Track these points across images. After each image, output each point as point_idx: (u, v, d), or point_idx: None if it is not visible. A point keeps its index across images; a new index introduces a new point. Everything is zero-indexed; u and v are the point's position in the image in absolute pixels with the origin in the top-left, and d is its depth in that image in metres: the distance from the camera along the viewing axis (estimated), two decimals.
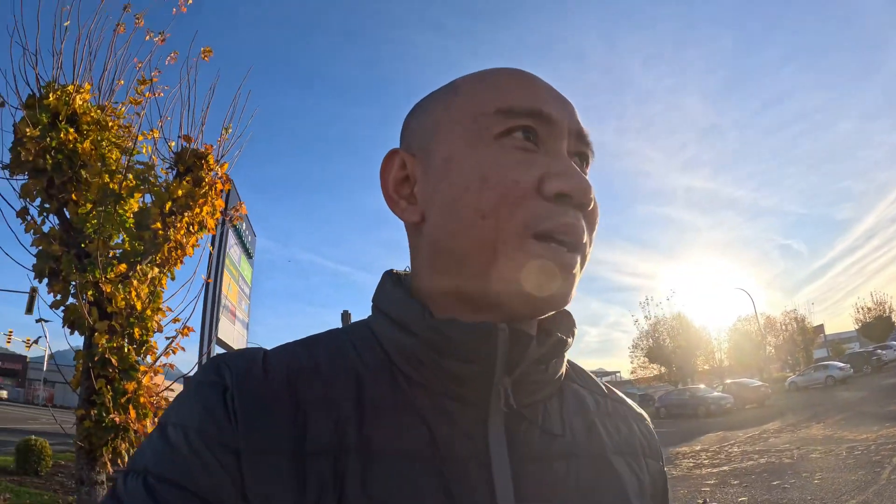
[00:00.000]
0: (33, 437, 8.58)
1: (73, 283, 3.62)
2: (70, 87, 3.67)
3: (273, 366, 0.46)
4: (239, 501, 0.40)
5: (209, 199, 3.56)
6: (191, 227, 3.61)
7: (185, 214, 3.53)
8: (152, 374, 3.71)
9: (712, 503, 6.86)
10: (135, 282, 3.62)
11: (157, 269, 3.68)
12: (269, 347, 0.50)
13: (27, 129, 3.41)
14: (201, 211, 3.56)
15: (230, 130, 4.03)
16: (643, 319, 37.57)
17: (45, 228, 3.74)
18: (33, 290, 8.67)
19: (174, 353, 3.87)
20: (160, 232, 3.52)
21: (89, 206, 3.52)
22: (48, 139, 3.46)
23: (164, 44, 4.16)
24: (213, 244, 4.28)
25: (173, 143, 3.76)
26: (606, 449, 0.52)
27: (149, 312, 3.71)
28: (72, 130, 3.55)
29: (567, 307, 0.49)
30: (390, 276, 0.54)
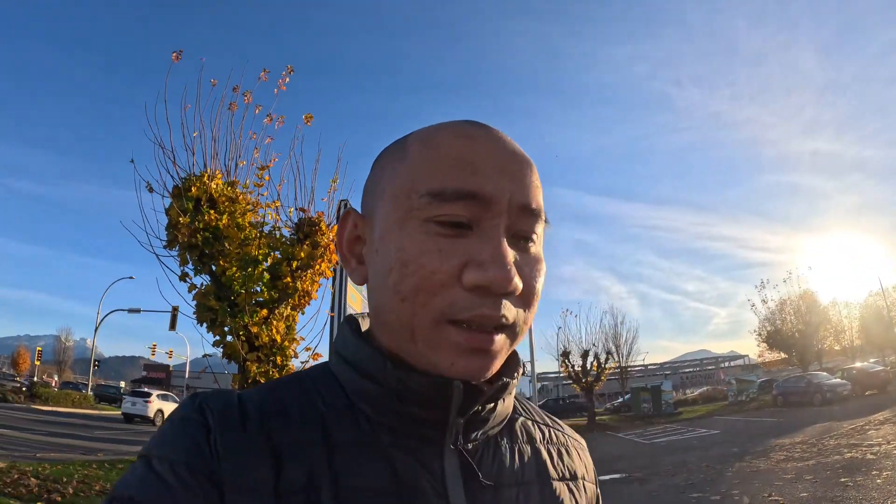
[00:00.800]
0: None
1: (227, 327, 4.72)
2: (205, 177, 4.65)
3: (247, 410, 0.48)
4: None
5: (326, 257, 4.57)
6: (313, 278, 4.63)
7: (308, 271, 4.55)
8: None
9: (776, 498, 6.93)
10: (274, 322, 4.68)
11: (290, 310, 4.74)
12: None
13: (179, 217, 4.43)
14: (320, 266, 4.58)
15: (336, 181, 5.02)
16: (760, 304, 32.97)
17: (196, 281, 4.85)
18: (175, 309, 9.97)
19: None
20: (290, 284, 4.56)
21: (233, 270, 4.55)
22: (196, 222, 4.48)
23: (272, 122, 5.09)
24: (332, 284, 5.31)
25: (292, 210, 4.75)
26: (551, 476, 0.57)
27: (286, 343, 4.78)
28: (212, 212, 4.55)
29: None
30: (349, 324, 0.56)
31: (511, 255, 0.46)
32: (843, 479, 7.48)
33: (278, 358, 4.78)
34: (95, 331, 31.38)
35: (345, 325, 0.56)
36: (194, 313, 4.82)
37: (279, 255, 4.70)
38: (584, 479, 0.61)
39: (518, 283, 0.46)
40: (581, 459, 0.63)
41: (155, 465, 0.44)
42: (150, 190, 4.71)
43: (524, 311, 0.49)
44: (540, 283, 0.50)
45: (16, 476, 7.55)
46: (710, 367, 62.10)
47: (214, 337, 4.82)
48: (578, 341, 22.39)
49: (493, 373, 0.49)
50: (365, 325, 0.58)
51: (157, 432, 0.48)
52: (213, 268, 4.66)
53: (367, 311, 0.56)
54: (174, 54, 5.10)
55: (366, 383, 0.50)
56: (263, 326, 4.68)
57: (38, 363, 45.31)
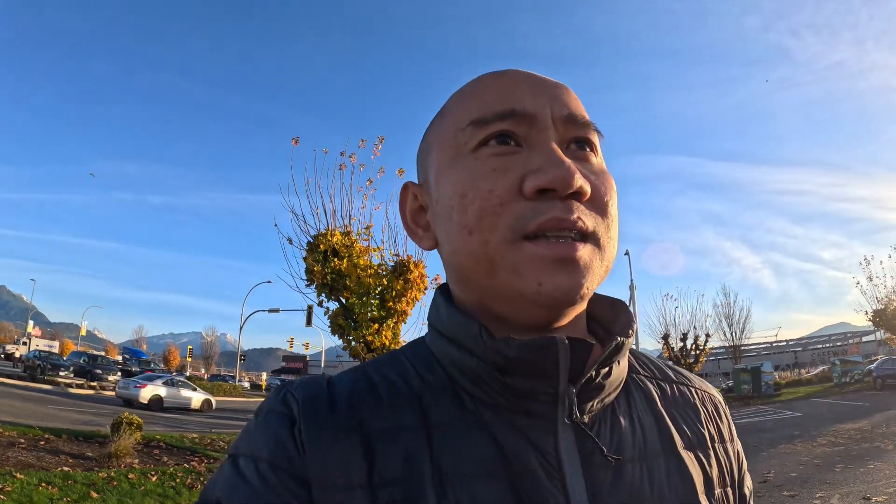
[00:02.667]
0: None
1: (351, 337, 6.78)
2: (328, 234, 6.73)
3: (338, 394, 0.47)
4: None
5: (415, 286, 6.52)
6: (408, 301, 6.58)
7: (403, 298, 6.51)
8: None
9: (766, 475, 7.42)
10: (383, 332, 6.68)
11: (394, 323, 6.72)
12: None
13: (315, 266, 6.53)
14: (412, 293, 6.54)
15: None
16: (865, 281, 30.08)
17: (329, 306, 6.96)
18: (310, 308, 12.32)
19: None
20: (392, 306, 6.53)
21: (353, 298, 6.59)
22: (325, 269, 6.56)
23: (373, 182, 7.12)
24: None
25: (391, 252, 6.80)
26: (676, 445, 0.50)
27: (393, 345, 6.78)
28: (335, 260, 6.61)
29: (622, 300, 0.51)
30: (442, 293, 0.53)
31: (568, 159, 0.44)
32: (869, 465, 7.80)
33: None
34: (241, 328, 36.52)
35: (438, 295, 0.53)
36: (329, 327, 6.98)
37: (385, 285, 6.70)
38: (718, 441, 0.54)
39: (583, 182, 0.43)
40: (714, 417, 0.56)
41: (240, 464, 0.43)
42: (290, 242, 6.96)
43: (602, 220, 0.46)
44: (611, 195, 0.47)
45: (208, 441, 10.47)
46: (838, 343, 57.44)
47: (344, 344, 6.93)
48: (683, 323, 22.72)
49: (588, 290, 0.44)
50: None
51: (245, 428, 0.47)
52: (340, 297, 6.74)
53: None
54: (294, 140, 7.33)
55: (464, 356, 0.47)
56: (376, 335, 6.71)
57: (189, 360, 52.47)
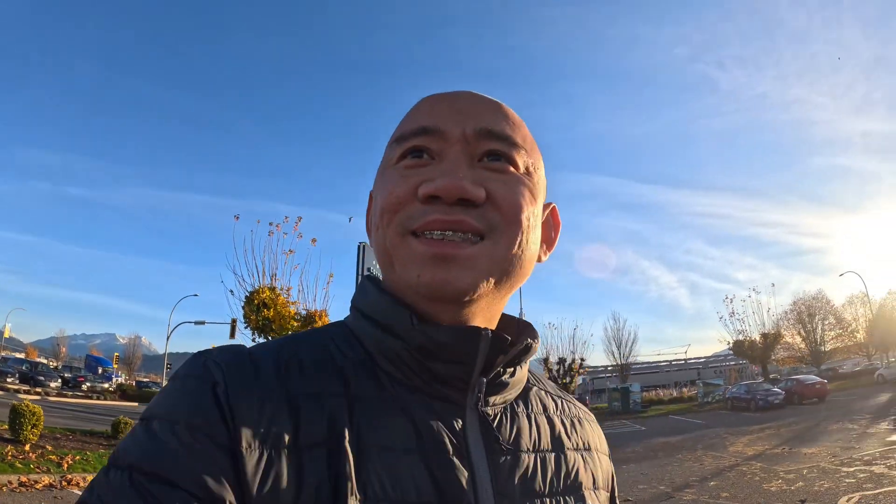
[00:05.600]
0: None
1: None
2: (260, 291, 9.43)
3: (261, 361, 0.47)
4: (232, 496, 0.40)
5: None
6: None
7: None
8: None
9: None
10: None
11: None
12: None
13: (251, 315, 9.24)
14: None
15: (332, 277, 9.88)
16: (728, 315, 33.62)
17: (258, 339, 9.59)
18: (234, 321, 13.47)
19: None
20: None
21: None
22: (258, 317, 9.24)
23: (291, 255, 9.89)
24: None
25: (303, 306, 9.63)
26: (566, 446, 0.57)
27: None
28: (265, 311, 9.30)
29: (509, 313, 0.57)
30: (370, 280, 0.56)
31: (468, 172, 0.49)
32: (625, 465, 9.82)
33: None
34: (167, 338, 37.41)
35: (366, 281, 0.56)
36: None
37: (300, 329, 9.46)
38: (598, 450, 0.62)
39: (472, 189, 0.47)
40: (594, 432, 0.63)
41: (155, 426, 0.42)
42: (232, 293, 9.63)
43: (503, 220, 0.49)
44: (516, 199, 0.50)
45: None
46: (732, 363, 61.95)
47: None
48: (562, 348, 26.09)
49: (469, 285, 0.47)
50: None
51: (160, 392, 0.46)
52: (268, 337, 9.42)
53: None
54: (235, 217, 10.15)
55: (388, 338, 0.49)
56: None
57: (115, 367, 51.24)
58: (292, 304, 9.63)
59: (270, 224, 10.13)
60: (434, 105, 0.53)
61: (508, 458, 0.50)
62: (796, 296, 39.61)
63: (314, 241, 10.23)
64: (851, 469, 8.40)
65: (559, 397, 0.63)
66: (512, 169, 0.52)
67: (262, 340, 8.90)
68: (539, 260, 0.56)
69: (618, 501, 0.65)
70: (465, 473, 0.47)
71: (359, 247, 10.15)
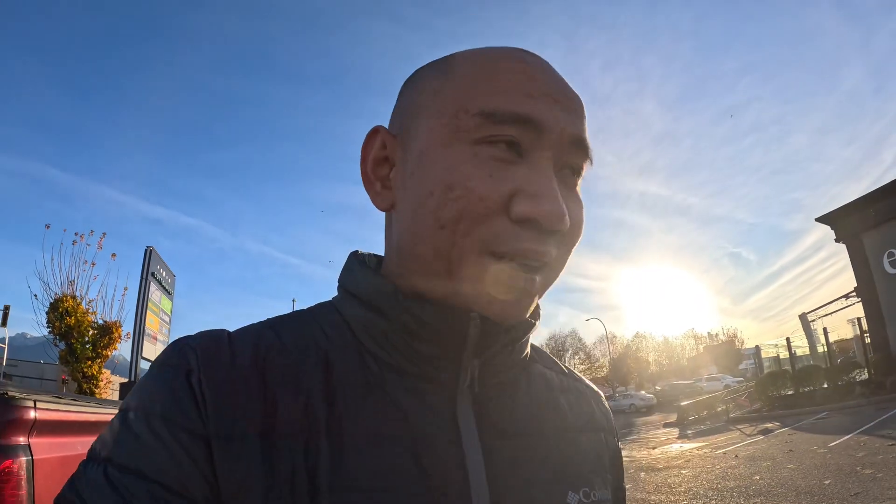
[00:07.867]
0: None
1: (72, 367, 11.16)
2: (63, 299, 11.20)
3: (238, 346, 0.45)
4: (206, 488, 0.39)
5: (115, 341, 11.50)
6: (110, 348, 11.48)
7: (108, 348, 11.38)
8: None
9: None
10: (94, 366, 11.25)
11: (98, 361, 11.39)
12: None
13: (56, 321, 11.00)
14: (114, 345, 11.52)
15: (127, 290, 11.98)
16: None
17: (61, 346, 11.20)
18: (6, 308, 13.48)
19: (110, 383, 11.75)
20: (100, 352, 11.27)
21: (77, 343, 11.05)
22: (62, 322, 10.97)
23: (90, 264, 11.76)
24: (136, 316, 12.84)
25: (101, 316, 11.66)
26: (569, 426, 0.53)
27: (101, 376, 11.41)
28: (67, 318, 11.03)
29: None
30: (356, 258, 0.52)
31: (559, 190, 0.43)
32: None
33: (93, 381, 11.28)
34: None
35: (352, 259, 0.52)
36: (59, 362, 11.31)
37: (96, 337, 11.30)
38: (604, 430, 0.58)
39: (567, 222, 0.43)
40: (600, 411, 0.59)
41: (130, 418, 0.41)
42: (36, 297, 11.34)
43: (565, 251, 0.46)
44: (581, 230, 0.47)
45: None
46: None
47: (70, 374, 11.28)
48: None
49: (523, 314, 0.45)
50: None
51: (137, 382, 0.45)
52: (69, 342, 11.12)
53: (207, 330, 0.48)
54: (46, 225, 11.98)
55: (372, 316, 0.46)
56: (88, 367, 11.31)
57: None
58: (91, 313, 11.38)
59: (76, 234, 12.24)
60: (531, 80, 0.45)
61: (504, 442, 0.47)
62: (553, 331, 46.85)
63: (114, 255, 12.46)
64: None
65: (565, 374, 0.60)
66: (578, 187, 0.48)
67: (62, 346, 9.86)
68: None
69: (624, 482, 0.61)
70: (456, 460, 0.44)
71: (146, 251, 12.63)
